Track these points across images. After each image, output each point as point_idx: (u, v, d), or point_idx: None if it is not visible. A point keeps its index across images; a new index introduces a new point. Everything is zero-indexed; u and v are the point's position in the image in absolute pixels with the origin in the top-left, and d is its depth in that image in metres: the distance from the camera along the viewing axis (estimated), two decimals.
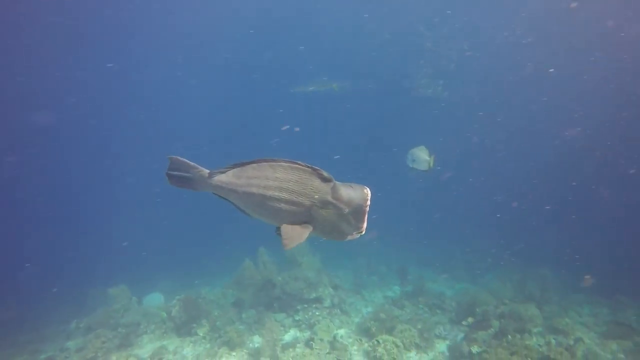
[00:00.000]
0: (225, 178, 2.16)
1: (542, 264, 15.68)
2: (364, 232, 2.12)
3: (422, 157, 6.08)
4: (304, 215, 2.05)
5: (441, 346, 9.83)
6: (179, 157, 2.25)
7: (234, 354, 9.22)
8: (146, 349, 9.54)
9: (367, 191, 2.05)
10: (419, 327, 10.11)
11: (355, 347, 9.48)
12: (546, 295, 13.53)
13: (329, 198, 1.99)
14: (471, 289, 13.53)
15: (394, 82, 23.35)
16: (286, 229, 2.03)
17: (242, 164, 2.12)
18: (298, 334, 10.14)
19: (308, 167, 2.00)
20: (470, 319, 10.91)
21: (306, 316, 10.60)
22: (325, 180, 2.00)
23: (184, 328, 10.34)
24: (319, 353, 8.82)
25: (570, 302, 13.57)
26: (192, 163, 2.26)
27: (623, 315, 12.63)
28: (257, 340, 9.72)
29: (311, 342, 9.33)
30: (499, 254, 18.13)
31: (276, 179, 2.00)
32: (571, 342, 10.27)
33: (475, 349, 9.21)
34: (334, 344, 9.35)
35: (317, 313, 10.71)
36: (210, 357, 8.99)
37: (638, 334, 10.70)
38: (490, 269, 16.96)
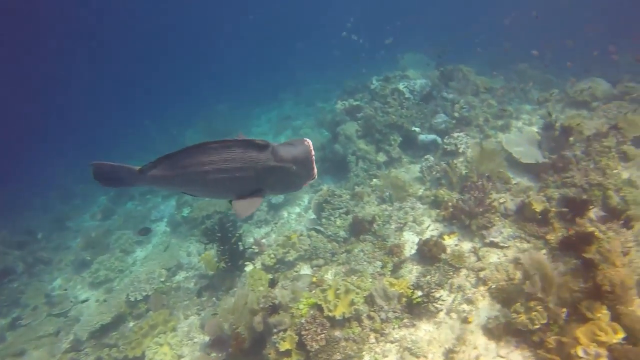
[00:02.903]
0: (157, 172, 2.00)
1: None
2: (316, 177, 2.15)
3: None
4: (253, 184, 2.02)
5: None
6: (102, 162, 2.03)
7: None
8: None
9: (308, 142, 2.06)
10: None
11: None
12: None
13: (272, 163, 1.96)
14: None
15: None
16: (236, 205, 2.02)
17: (171, 155, 1.94)
18: None
19: (239, 140, 1.91)
20: None
21: None
22: (261, 147, 1.94)
23: None
24: None
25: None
26: (116, 164, 2.04)
27: None
28: None
29: None
30: None
31: (211, 162, 1.91)
32: None
33: None
34: None
35: None
36: None
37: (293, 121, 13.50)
38: None
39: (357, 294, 4.90)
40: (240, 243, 6.73)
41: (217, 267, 6.93)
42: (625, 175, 6.07)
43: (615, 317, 3.80)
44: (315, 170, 2.13)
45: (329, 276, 5.89)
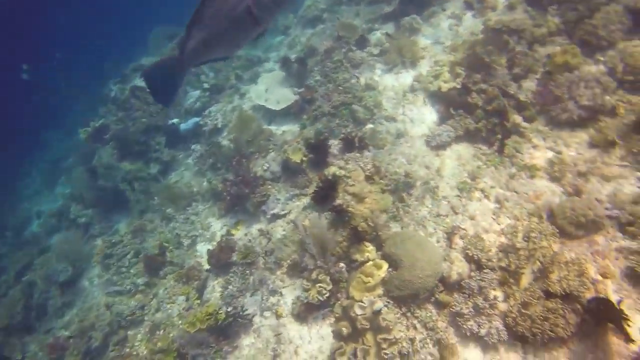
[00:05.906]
0: (194, 42, 1.99)
1: None
2: None
3: None
4: None
5: None
6: (147, 67, 2.13)
7: None
8: None
9: None
10: None
11: None
12: None
13: None
14: None
15: None
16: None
17: (196, 14, 1.91)
18: None
19: None
20: None
21: None
22: None
23: None
24: None
25: None
26: (159, 60, 2.14)
27: None
28: None
29: None
30: None
31: None
32: None
33: None
34: None
35: None
36: None
37: None
38: None
39: None
40: None
41: None
42: (362, 81, 6.16)
43: (380, 245, 3.80)
44: None
45: (137, 344, 5.01)
